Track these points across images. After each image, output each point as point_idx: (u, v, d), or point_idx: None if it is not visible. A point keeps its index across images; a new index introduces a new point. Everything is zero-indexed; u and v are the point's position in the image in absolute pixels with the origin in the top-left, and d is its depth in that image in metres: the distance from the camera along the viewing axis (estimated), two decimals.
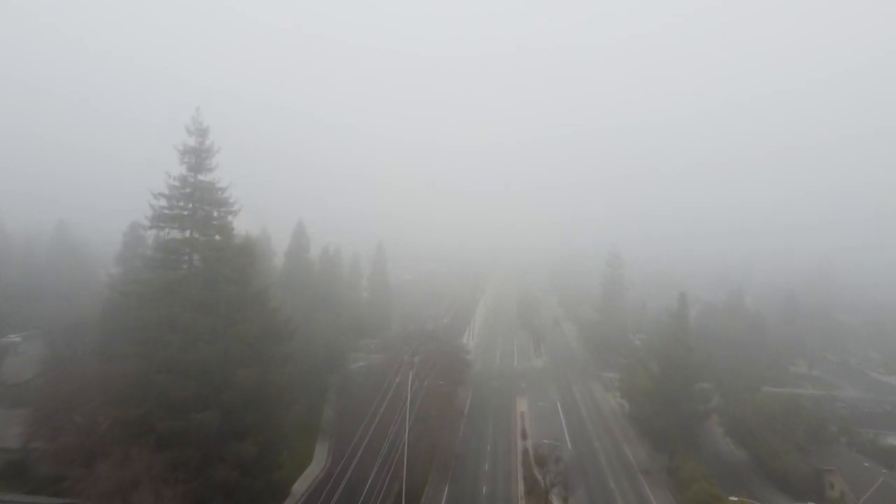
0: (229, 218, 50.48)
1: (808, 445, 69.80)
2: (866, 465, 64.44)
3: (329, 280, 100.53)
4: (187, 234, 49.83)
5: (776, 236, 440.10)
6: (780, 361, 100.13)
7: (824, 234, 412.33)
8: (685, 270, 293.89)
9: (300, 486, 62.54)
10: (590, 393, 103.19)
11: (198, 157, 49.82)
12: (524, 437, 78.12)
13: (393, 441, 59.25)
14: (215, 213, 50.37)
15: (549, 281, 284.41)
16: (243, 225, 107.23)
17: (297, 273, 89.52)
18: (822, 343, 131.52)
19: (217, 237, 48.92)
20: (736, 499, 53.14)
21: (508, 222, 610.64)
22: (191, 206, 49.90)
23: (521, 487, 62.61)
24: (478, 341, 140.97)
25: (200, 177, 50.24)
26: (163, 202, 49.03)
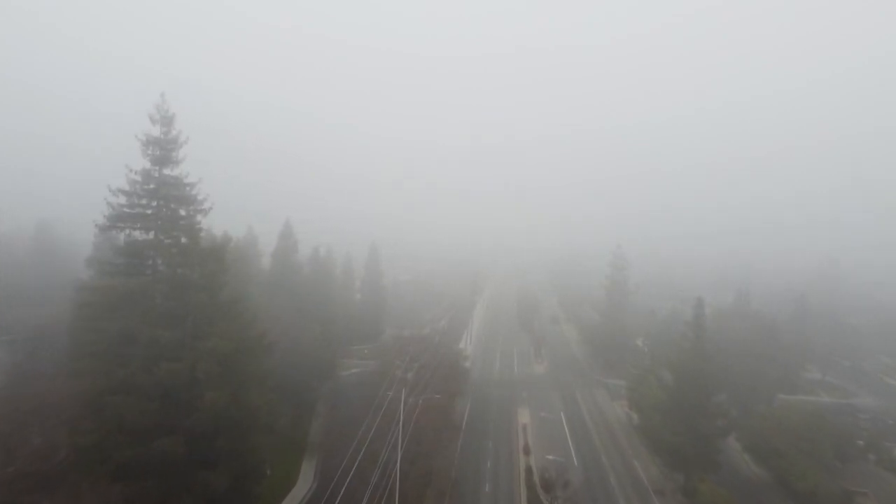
0: (198, 217, 44.95)
1: (834, 463, 64.75)
2: None
3: (319, 283, 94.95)
4: (151, 235, 44.31)
5: (775, 236, 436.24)
6: (793, 368, 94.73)
7: (824, 235, 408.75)
8: (684, 271, 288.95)
9: None
10: (594, 401, 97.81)
11: (162, 148, 44.31)
12: (527, 452, 72.69)
13: (386, 462, 53.85)
14: (182, 212, 44.83)
15: (548, 281, 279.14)
16: (241, 227, 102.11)
17: (284, 276, 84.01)
18: (833, 347, 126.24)
19: (183, 239, 43.41)
20: None
21: (508, 222, 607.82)
22: (155, 203, 44.37)
23: None
24: (476, 345, 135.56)
25: (166, 171, 44.73)
26: (122, 199, 43.47)
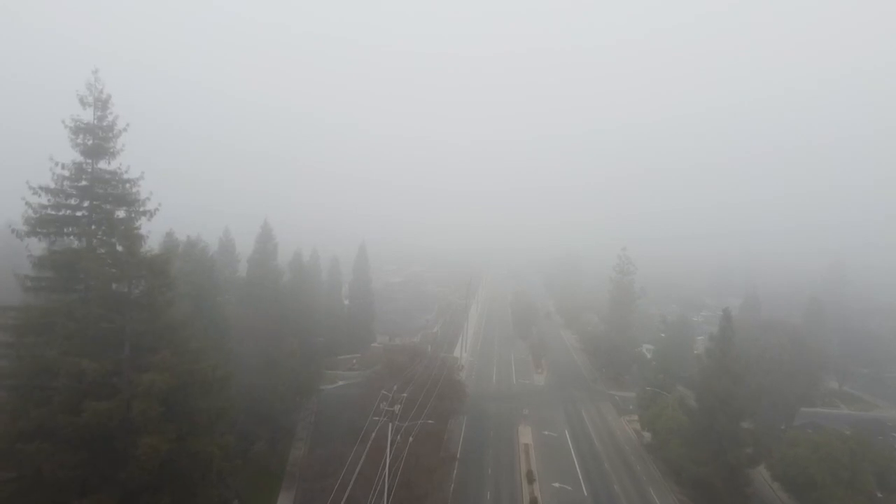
0: (140, 220, 37.10)
1: (875, 494, 57.68)
2: None
3: (302, 290, 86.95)
4: (83, 242, 36.43)
5: (774, 237, 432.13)
6: (815, 380, 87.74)
7: (823, 235, 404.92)
8: (684, 272, 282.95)
9: None
10: (601, 417, 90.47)
11: (96, 136, 36.42)
12: (531, 480, 65.17)
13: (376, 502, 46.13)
14: (120, 214, 36.97)
15: (545, 283, 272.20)
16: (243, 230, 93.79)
17: (262, 284, 76.14)
18: (849, 354, 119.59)
19: (119, 247, 35.56)
20: None
21: (505, 221, 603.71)
22: (87, 204, 36.48)
23: None
24: (472, 354, 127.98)
25: (100, 164, 36.86)
26: (45, 199, 35.56)
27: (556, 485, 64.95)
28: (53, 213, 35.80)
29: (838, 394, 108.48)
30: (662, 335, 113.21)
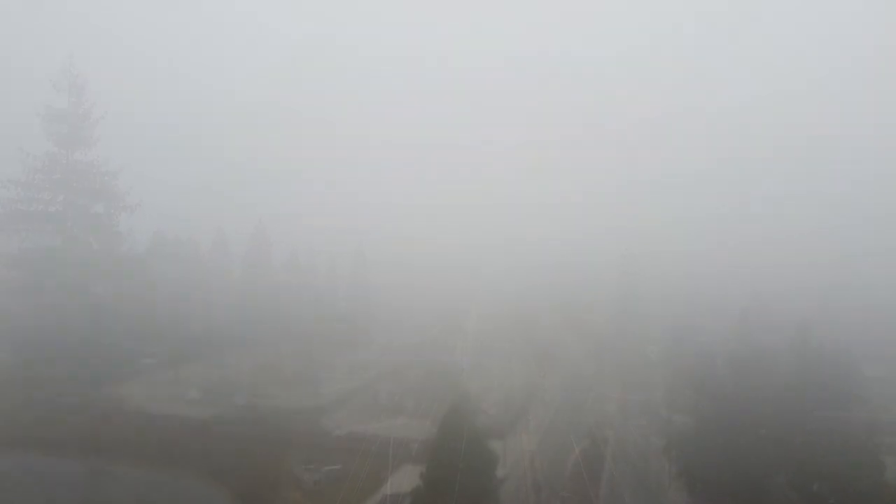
0: (120, 217, 34.01)
1: None
2: None
3: (298, 292, 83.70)
4: (57, 240, 33.28)
5: (772, 235, 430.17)
6: (830, 382, 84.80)
7: (817, 246, 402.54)
8: (681, 271, 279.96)
9: None
10: (608, 423, 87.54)
11: (71, 125, 33.50)
12: (538, 491, 62.29)
13: None
14: (99, 210, 33.88)
15: (546, 282, 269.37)
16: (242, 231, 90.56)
17: (255, 285, 72.93)
18: (858, 355, 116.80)
19: (95, 245, 32.47)
20: None
21: (504, 220, 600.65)
22: (61, 198, 33.46)
23: None
24: (472, 357, 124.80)
25: (76, 155, 33.84)
26: (15, 193, 32.45)
27: (566, 494, 62.07)
28: (24, 207, 32.97)
29: (849, 396, 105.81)
30: (667, 337, 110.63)
